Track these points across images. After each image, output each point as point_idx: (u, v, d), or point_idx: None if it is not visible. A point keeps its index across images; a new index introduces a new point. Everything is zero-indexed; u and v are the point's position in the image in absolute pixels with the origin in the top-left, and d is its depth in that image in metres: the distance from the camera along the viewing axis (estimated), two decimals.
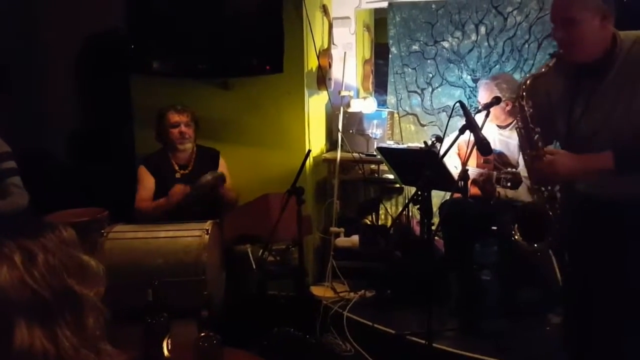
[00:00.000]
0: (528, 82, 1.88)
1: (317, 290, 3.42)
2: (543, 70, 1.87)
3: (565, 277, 2.19)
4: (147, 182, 3.01)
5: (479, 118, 2.83)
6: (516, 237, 1.98)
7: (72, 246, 0.90)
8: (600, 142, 1.80)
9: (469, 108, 3.62)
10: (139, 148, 3.56)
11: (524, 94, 1.87)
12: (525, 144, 1.91)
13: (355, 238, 3.58)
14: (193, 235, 2.56)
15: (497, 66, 3.63)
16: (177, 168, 3.06)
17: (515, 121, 2.98)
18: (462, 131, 2.22)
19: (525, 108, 1.88)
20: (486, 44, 3.63)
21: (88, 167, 3.70)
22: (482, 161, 3.07)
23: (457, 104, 2.33)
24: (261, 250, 2.75)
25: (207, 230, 2.57)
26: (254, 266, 2.75)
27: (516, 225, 1.99)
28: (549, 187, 1.91)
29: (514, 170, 2.91)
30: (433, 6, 3.71)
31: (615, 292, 1.88)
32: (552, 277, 2.62)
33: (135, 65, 3.47)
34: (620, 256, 1.85)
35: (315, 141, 3.66)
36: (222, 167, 3.19)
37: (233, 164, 3.31)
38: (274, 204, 2.73)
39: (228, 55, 3.31)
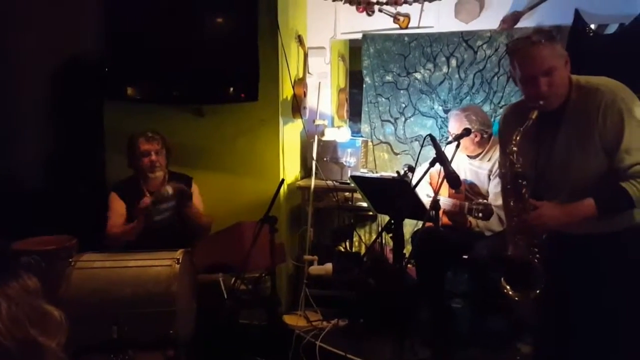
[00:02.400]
0: (518, 137, 1.88)
1: (289, 319, 3.39)
2: (528, 124, 1.88)
3: (542, 309, 2.21)
4: (119, 208, 2.97)
5: (450, 148, 2.90)
6: (507, 291, 1.97)
7: (36, 295, 0.89)
8: (573, 184, 1.87)
9: (440, 138, 3.72)
10: (111, 174, 3.52)
11: (515, 149, 1.89)
12: (511, 196, 1.93)
13: (328, 266, 3.57)
14: (163, 264, 2.53)
15: (468, 98, 3.72)
16: (148, 195, 3.02)
17: (483, 151, 3.10)
18: (432, 164, 2.26)
19: (516, 165, 1.90)
20: (457, 76, 3.73)
21: (58, 193, 3.63)
22: (453, 191, 3.12)
23: (428, 137, 2.37)
24: (233, 279, 2.73)
25: (178, 259, 2.53)
26: (225, 295, 2.72)
27: (503, 280, 1.99)
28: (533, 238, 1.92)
29: (485, 201, 2.98)
30: (406, 38, 3.80)
31: (587, 322, 1.94)
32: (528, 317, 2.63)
33: (109, 91, 3.46)
34: (588, 287, 1.91)
35: (290, 169, 3.68)
36: (195, 193, 3.16)
37: (207, 191, 3.29)
38: (247, 233, 2.72)
39: (203, 82, 3.32)
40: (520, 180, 1.90)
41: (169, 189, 2.81)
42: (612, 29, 3.73)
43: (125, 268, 2.58)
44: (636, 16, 3.27)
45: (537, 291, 1.91)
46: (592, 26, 3.56)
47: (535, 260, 1.91)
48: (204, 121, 3.51)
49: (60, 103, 3.83)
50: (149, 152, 2.98)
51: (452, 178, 2.21)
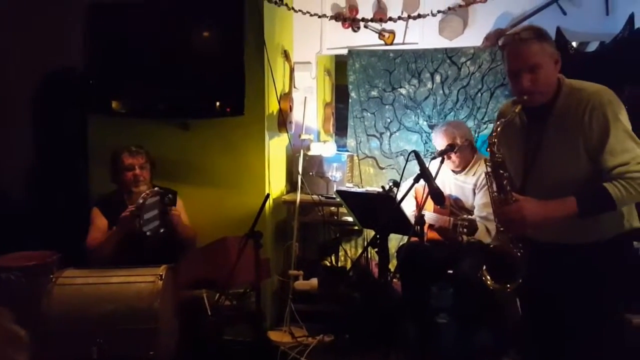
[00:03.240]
0: (499, 129, 1.93)
1: (274, 335, 3.36)
2: (510, 117, 1.93)
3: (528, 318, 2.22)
4: (100, 223, 2.94)
5: (434, 163, 2.92)
6: (487, 280, 1.97)
7: (2, 316, 0.88)
8: (554, 183, 1.89)
9: (425, 153, 3.75)
10: (96, 188, 3.48)
11: (496, 140, 1.93)
12: (493, 188, 1.95)
13: (314, 281, 3.56)
14: (146, 281, 2.50)
15: (452, 113, 3.76)
16: None
17: (468, 166, 3.13)
18: (416, 180, 2.27)
19: (497, 154, 1.93)
20: (441, 92, 3.77)
21: (40, 208, 3.58)
22: (438, 207, 3.14)
23: (412, 153, 2.38)
24: (217, 295, 2.70)
25: (161, 275, 2.51)
26: (209, 312, 2.69)
27: (484, 268, 1.98)
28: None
29: (470, 217, 3.00)
30: (391, 54, 3.84)
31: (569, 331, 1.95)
32: (515, 317, 2.61)
33: (94, 105, 3.44)
34: (567, 296, 1.94)
35: (276, 183, 3.67)
36: (180, 208, 3.14)
37: (192, 205, 3.27)
38: (231, 248, 2.70)
39: (188, 97, 3.32)
40: (501, 171, 1.92)
41: (149, 192, 2.78)
42: (592, 46, 3.81)
43: (107, 284, 2.54)
44: (616, 34, 3.35)
45: (516, 283, 1.90)
46: (574, 44, 3.64)
47: (518, 253, 1.91)
48: (190, 135, 3.50)
49: (43, 117, 3.80)
50: (132, 167, 2.97)
51: (436, 194, 2.22)
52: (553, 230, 1.89)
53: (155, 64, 3.31)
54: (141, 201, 2.71)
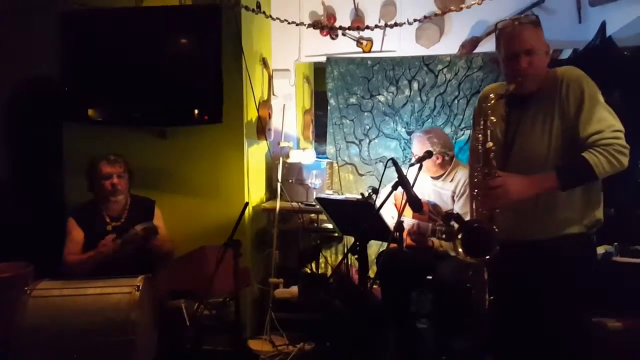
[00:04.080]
0: (493, 101, 1.96)
1: (254, 344, 3.34)
2: (504, 92, 1.97)
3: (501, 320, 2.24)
4: (76, 235, 2.89)
5: (413, 170, 2.95)
6: (461, 254, 1.97)
7: None
8: (533, 163, 1.94)
9: (404, 159, 3.78)
10: (72, 198, 3.42)
11: (489, 111, 1.96)
12: (479, 161, 1.96)
13: (294, 289, 3.54)
14: (123, 292, 2.47)
15: (429, 120, 3.80)
16: (108, 220, 2.95)
17: (445, 172, 3.16)
18: (394, 187, 2.29)
19: (489, 123, 1.96)
20: (419, 99, 3.81)
21: (13, 219, 3.51)
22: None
23: (390, 161, 2.40)
24: (196, 305, 2.68)
25: (138, 286, 2.48)
26: (187, 322, 2.66)
27: (459, 237, 1.98)
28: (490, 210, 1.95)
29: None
30: (369, 62, 3.87)
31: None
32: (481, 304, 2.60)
33: (69, 112, 3.39)
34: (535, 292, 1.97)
35: (255, 191, 3.66)
36: (158, 217, 3.11)
37: (169, 214, 3.24)
38: (210, 257, 2.68)
39: (166, 104, 3.29)
40: (490, 143, 1.95)
41: (139, 231, 2.74)
42: (566, 54, 3.89)
43: (83, 296, 2.51)
44: (588, 42, 3.42)
45: (488, 256, 1.91)
46: None
47: (494, 228, 1.92)
48: (167, 143, 3.47)
49: (17, 126, 3.73)
50: (110, 175, 2.93)
51: (413, 202, 2.24)
52: (521, 225, 1.95)
53: (133, 71, 3.28)
54: (131, 236, 2.70)
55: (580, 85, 1.89)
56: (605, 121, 1.84)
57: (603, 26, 3.34)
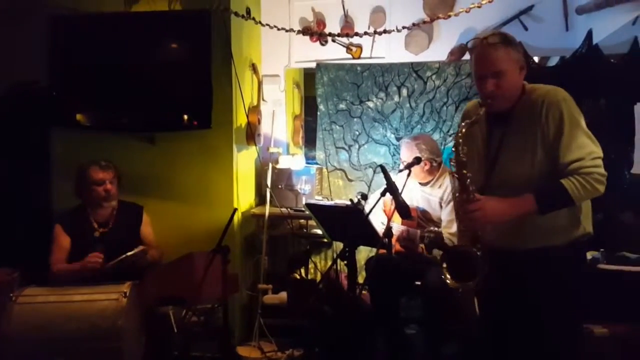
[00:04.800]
0: (464, 130, 1.97)
1: (243, 351, 3.32)
2: (475, 119, 1.97)
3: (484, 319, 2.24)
4: (63, 241, 2.87)
5: (401, 176, 2.96)
6: (446, 278, 1.98)
7: None
8: (514, 184, 1.93)
9: (393, 165, 3.79)
10: (59, 203, 3.40)
11: (461, 140, 1.96)
12: (458, 187, 1.98)
13: (283, 295, 3.54)
14: (110, 298, 2.45)
15: (418, 126, 3.82)
16: (96, 226, 2.94)
17: (434, 178, 3.17)
18: (383, 194, 2.29)
19: (461, 154, 1.96)
20: (408, 105, 3.83)
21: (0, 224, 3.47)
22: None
23: (379, 168, 2.41)
24: (184, 311, 2.66)
25: (125, 293, 2.46)
26: (175, 329, 2.64)
27: (445, 266, 2.00)
28: (475, 232, 1.96)
29: (436, 229, 3.04)
30: (358, 68, 3.88)
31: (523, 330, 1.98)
32: (472, 319, 2.63)
33: (58, 118, 3.37)
34: (522, 300, 1.97)
35: (244, 196, 3.65)
36: (146, 223, 3.10)
37: (158, 220, 3.23)
38: (198, 264, 2.66)
39: (154, 110, 3.29)
40: (464, 171, 1.95)
41: (128, 256, 2.73)
42: (553, 61, 3.93)
43: (69, 302, 2.50)
44: (575, 50, 3.46)
45: (474, 281, 1.92)
46: (535, 59, 3.75)
47: (477, 253, 1.93)
48: (156, 149, 3.45)
49: (3, 131, 3.69)
50: (103, 181, 2.92)
51: (402, 208, 2.25)
52: (510, 235, 1.95)
53: (122, 76, 3.27)
54: (117, 262, 2.70)
55: (560, 109, 1.87)
56: (585, 148, 1.85)
57: (590, 34, 3.38)
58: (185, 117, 3.26)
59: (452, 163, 2.01)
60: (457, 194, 1.98)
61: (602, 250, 2.95)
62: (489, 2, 3.07)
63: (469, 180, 1.94)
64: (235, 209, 2.87)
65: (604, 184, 1.85)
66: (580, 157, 1.83)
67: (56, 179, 3.48)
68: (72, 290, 2.54)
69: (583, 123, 1.90)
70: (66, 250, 2.85)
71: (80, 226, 2.90)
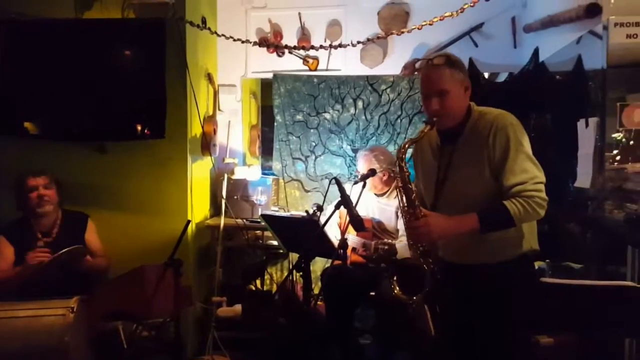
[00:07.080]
0: (407, 145, 2.02)
1: None
2: (418, 136, 2.02)
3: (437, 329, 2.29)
4: (6, 252, 2.80)
5: (357, 188, 3.00)
6: (395, 290, 2.04)
7: None
8: (462, 201, 1.98)
9: (349, 176, 3.83)
10: (5, 215, 3.26)
11: (403, 156, 2.01)
12: (404, 202, 2.02)
13: (238, 307, 3.51)
14: (56, 314, 2.37)
15: (374, 138, 3.88)
16: (39, 235, 2.86)
17: (390, 188, 3.22)
18: (337, 207, 2.31)
19: (404, 169, 2.01)
20: (363, 117, 3.89)
21: None
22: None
23: (333, 180, 2.43)
24: (135, 326, 2.60)
25: (72, 308, 2.39)
26: (125, 345, 2.58)
27: (395, 279, 2.06)
28: (424, 245, 2.02)
29: (390, 241, 3.08)
30: (315, 80, 3.91)
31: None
32: (426, 330, 2.68)
33: (3, 126, 3.26)
34: (471, 309, 2.01)
35: (199, 207, 3.60)
36: (91, 230, 3.04)
37: (109, 232, 3.15)
38: (149, 277, 2.60)
39: (106, 118, 3.23)
40: (409, 186, 2.00)
41: (65, 252, 2.69)
42: (502, 77, 4.07)
43: (14, 318, 2.41)
44: (523, 66, 3.59)
45: (421, 294, 1.98)
46: (485, 74, 3.87)
47: (425, 266, 1.99)
48: (107, 158, 3.38)
49: None
50: (36, 187, 2.88)
51: (355, 221, 2.27)
52: (460, 250, 2.01)
53: (73, 84, 3.20)
54: (54, 258, 2.64)
55: (507, 134, 1.93)
56: (528, 172, 1.91)
57: (536, 52, 3.52)
58: (139, 126, 3.21)
59: (397, 177, 2.06)
60: (405, 208, 2.02)
61: (547, 260, 3.05)
62: (441, 19, 3.16)
63: (414, 194, 1.99)
64: (189, 221, 2.82)
65: (545, 207, 1.92)
66: (523, 181, 1.90)
67: (1, 190, 3.35)
68: (16, 305, 2.44)
69: (528, 148, 1.96)
70: (10, 260, 2.79)
71: (23, 236, 2.83)
